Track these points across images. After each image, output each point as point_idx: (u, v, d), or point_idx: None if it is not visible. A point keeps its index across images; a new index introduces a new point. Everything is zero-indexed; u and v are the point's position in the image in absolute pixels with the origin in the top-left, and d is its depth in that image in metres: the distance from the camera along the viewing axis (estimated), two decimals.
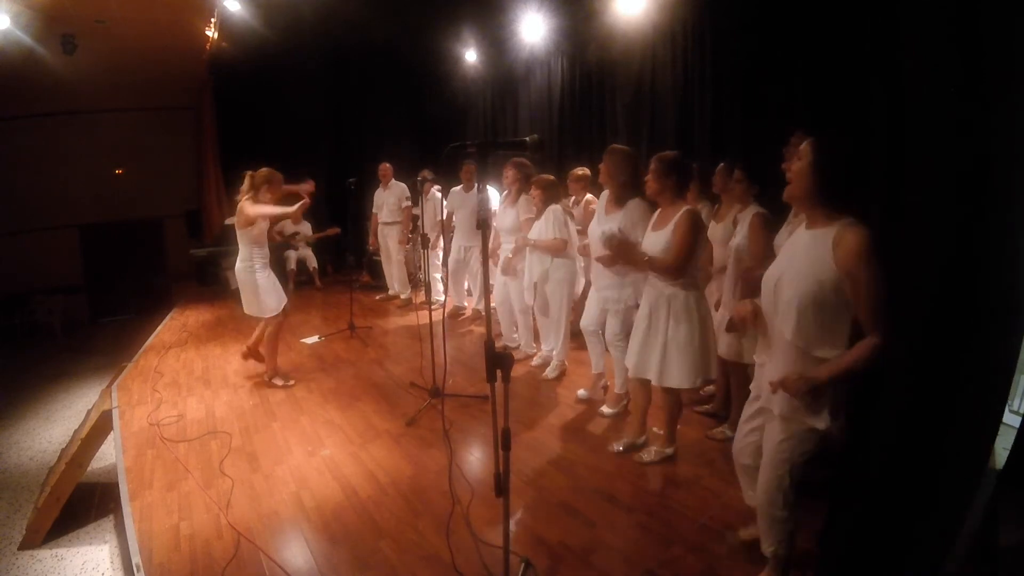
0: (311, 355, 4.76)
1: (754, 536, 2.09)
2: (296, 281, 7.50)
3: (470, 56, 7.41)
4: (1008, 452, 1.73)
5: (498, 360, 1.60)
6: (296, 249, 7.52)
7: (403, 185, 6.14)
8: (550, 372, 3.95)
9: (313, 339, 5.18)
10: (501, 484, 1.70)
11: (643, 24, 4.89)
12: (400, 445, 3.10)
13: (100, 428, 3.67)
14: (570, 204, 4.56)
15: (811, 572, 1.96)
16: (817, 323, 1.59)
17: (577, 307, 4.14)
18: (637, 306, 2.83)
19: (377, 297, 6.77)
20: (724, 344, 2.83)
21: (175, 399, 3.91)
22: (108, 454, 3.80)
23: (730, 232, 2.90)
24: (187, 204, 9.56)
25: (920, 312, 1.47)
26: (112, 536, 3.46)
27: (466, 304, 5.84)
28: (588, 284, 3.71)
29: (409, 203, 6.13)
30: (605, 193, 3.15)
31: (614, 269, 2.99)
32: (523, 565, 2.08)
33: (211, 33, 6.66)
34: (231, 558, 2.21)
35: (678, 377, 2.55)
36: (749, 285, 2.28)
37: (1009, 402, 2.57)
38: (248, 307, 3.93)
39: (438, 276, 5.84)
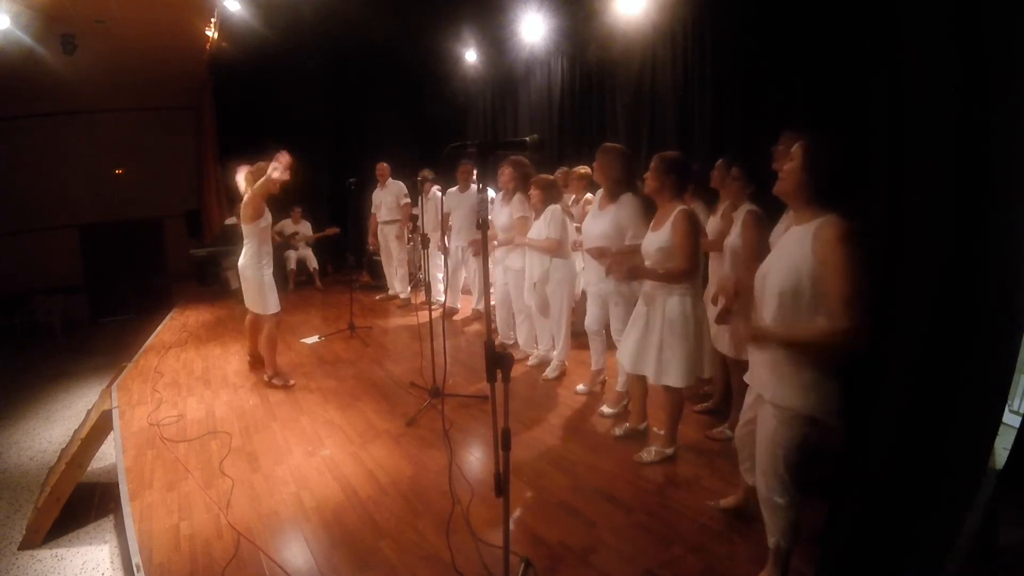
0: (311, 355, 4.76)
1: (732, 504, 2.27)
2: (296, 281, 7.50)
3: (470, 56, 7.41)
4: (1008, 452, 1.73)
5: (498, 360, 1.60)
6: (296, 249, 7.52)
7: (400, 183, 6.15)
8: (550, 372, 3.95)
9: (313, 339, 5.18)
10: (501, 484, 1.70)
11: (643, 24, 4.89)
12: (400, 445, 3.10)
13: (100, 428, 3.67)
14: (570, 203, 4.57)
15: (811, 572, 1.96)
16: (794, 310, 1.65)
17: (578, 307, 4.14)
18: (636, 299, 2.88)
19: (377, 297, 6.77)
20: (723, 341, 2.86)
21: (175, 399, 3.91)
22: (108, 454, 3.80)
23: (718, 224, 3.00)
24: (187, 204, 9.57)
25: (920, 312, 1.47)
26: (112, 536, 3.46)
27: (459, 306, 5.85)
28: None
29: (407, 200, 6.14)
30: (600, 191, 3.20)
31: (616, 276, 3.02)
32: (523, 565, 2.08)
33: (211, 33, 6.67)
34: (231, 558, 2.21)
35: (674, 376, 2.59)
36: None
37: (1009, 402, 2.57)
38: (252, 304, 3.97)
39: (439, 276, 5.84)
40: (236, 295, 4.20)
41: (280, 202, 3.94)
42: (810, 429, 1.71)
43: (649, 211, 2.96)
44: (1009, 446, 1.73)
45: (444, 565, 2.12)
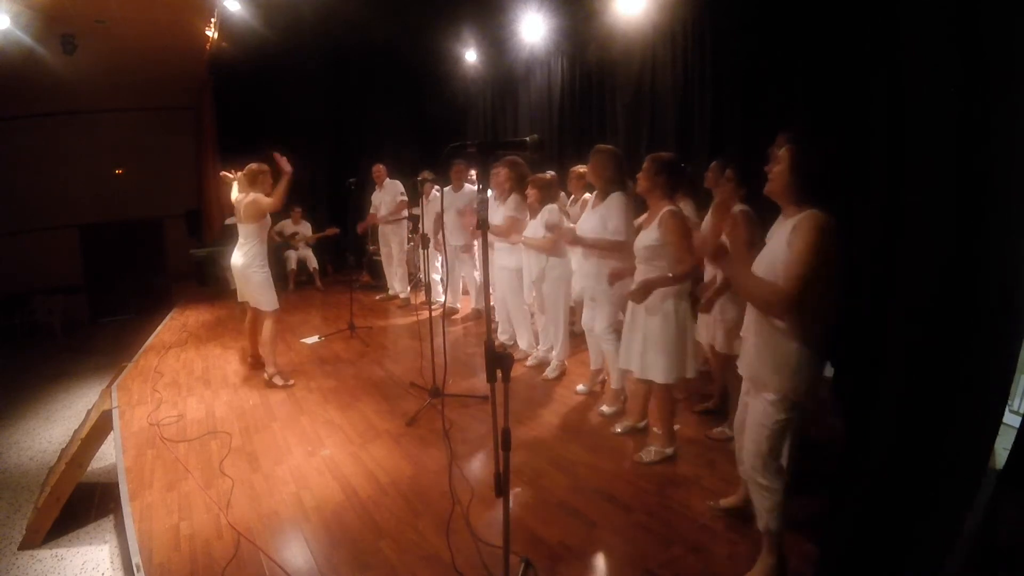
0: (311, 355, 4.76)
1: (732, 504, 2.28)
2: (296, 281, 7.50)
3: (470, 56, 7.41)
4: (1008, 452, 1.73)
5: (498, 360, 1.60)
6: (296, 249, 7.52)
7: (398, 182, 6.15)
8: (550, 372, 3.95)
9: (313, 339, 5.18)
10: (501, 484, 1.70)
11: (643, 24, 4.89)
12: (400, 445, 3.10)
13: (100, 428, 3.67)
14: (568, 203, 4.58)
15: (811, 572, 1.96)
16: None
17: (578, 307, 4.15)
18: (624, 302, 2.94)
19: (377, 297, 6.77)
20: (718, 338, 2.89)
21: (175, 399, 3.91)
22: (108, 454, 3.80)
23: (711, 222, 3.07)
24: (187, 204, 9.57)
25: (920, 312, 1.47)
26: (112, 536, 3.46)
27: (459, 306, 5.86)
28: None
29: (404, 198, 6.12)
30: (596, 192, 3.28)
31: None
32: (523, 565, 2.08)
33: (211, 33, 6.67)
34: (231, 558, 2.21)
35: (655, 370, 2.65)
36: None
37: (1009, 402, 2.57)
38: (257, 301, 4.02)
39: (438, 277, 5.84)
40: (236, 295, 4.20)
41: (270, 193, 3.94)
42: (792, 413, 1.80)
43: (635, 209, 3.08)
44: (1009, 446, 1.73)
45: (444, 565, 2.12)
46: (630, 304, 2.75)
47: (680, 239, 2.53)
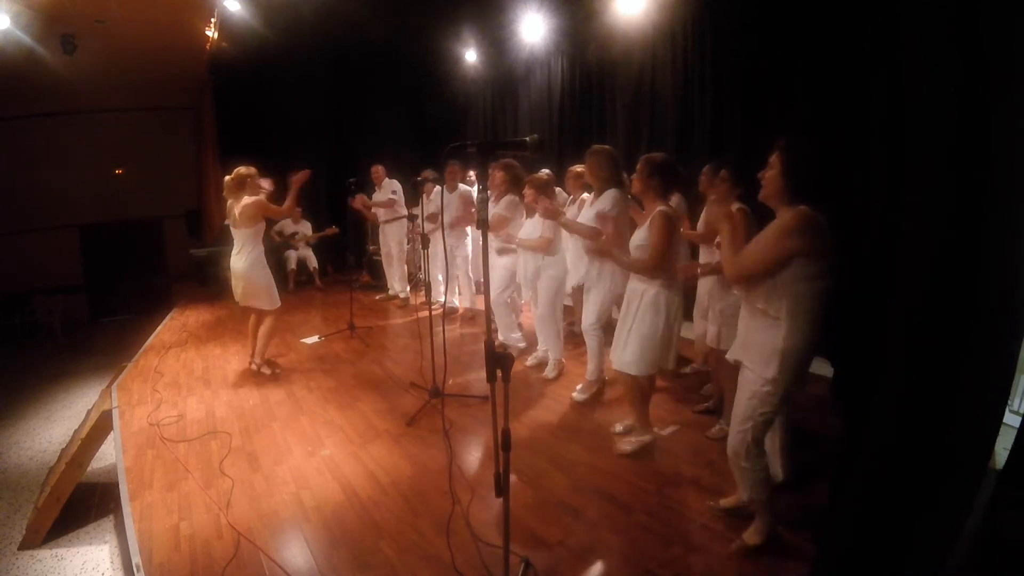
0: (311, 355, 4.76)
1: (732, 504, 2.31)
2: (296, 281, 7.50)
3: (470, 56, 7.41)
4: (1008, 452, 1.73)
5: (498, 360, 1.60)
6: (296, 249, 7.52)
7: (395, 181, 6.14)
8: (549, 372, 3.95)
9: (313, 339, 5.18)
10: (501, 484, 1.70)
11: (643, 24, 4.89)
12: (400, 445, 3.10)
13: (100, 428, 3.67)
14: (567, 203, 4.58)
15: (810, 572, 1.96)
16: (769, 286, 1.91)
17: (578, 308, 4.15)
18: (615, 299, 3.03)
19: (377, 297, 6.77)
20: (712, 334, 2.92)
21: (175, 399, 3.91)
22: (108, 454, 3.80)
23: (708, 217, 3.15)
24: (187, 204, 9.57)
25: (920, 312, 1.47)
26: (112, 536, 3.46)
27: (458, 304, 5.86)
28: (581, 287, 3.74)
29: (394, 196, 6.11)
30: (594, 192, 3.34)
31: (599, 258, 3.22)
32: (523, 565, 2.08)
33: (211, 33, 6.67)
34: (231, 558, 2.21)
35: (631, 362, 2.69)
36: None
37: (1009, 402, 2.57)
38: (262, 302, 4.07)
39: (439, 276, 5.84)
40: (236, 295, 4.20)
41: (280, 202, 3.99)
42: (777, 404, 1.91)
43: (629, 205, 3.13)
44: (1009, 446, 1.73)
45: (444, 565, 2.12)
46: (625, 300, 2.81)
47: (659, 239, 2.57)
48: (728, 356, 2.11)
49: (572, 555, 2.16)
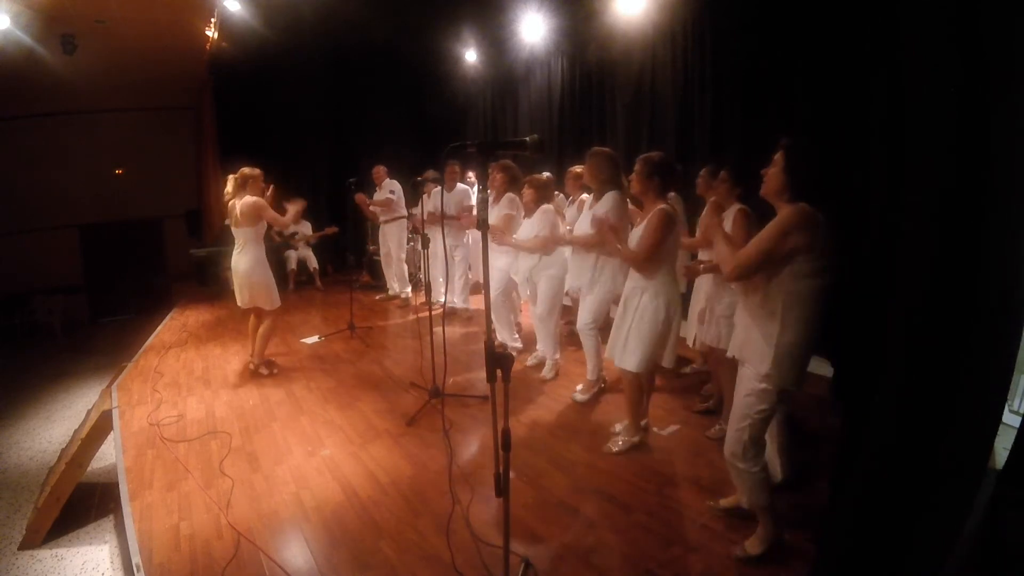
0: (311, 355, 4.76)
1: (732, 504, 2.32)
2: (296, 281, 7.50)
3: (470, 56, 7.41)
4: (1008, 452, 1.73)
5: (498, 360, 1.60)
6: (296, 249, 7.52)
7: (394, 182, 6.15)
8: (546, 373, 3.95)
9: (313, 339, 5.18)
10: (501, 484, 1.70)
11: (643, 24, 4.89)
12: (400, 445, 3.10)
13: (100, 428, 3.67)
14: (565, 203, 4.58)
15: (810, 572, 1.96)
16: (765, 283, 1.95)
17: (577, 308, 4.14)
18: (614, 299, 3.03)
19: (377, 297, 6.77)
20: (710, 333, 2.92)
21: (175, 399, 3.91)
22: (108, 454, 3.80)
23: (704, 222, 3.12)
24: (187, 204, 9.57)
25: (920, 312, 1.47)
26: (112, 536, 3.46)
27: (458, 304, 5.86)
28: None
29: (391, 195, 6.11)
30: (593, 194, 3.35)
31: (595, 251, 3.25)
32: (523, 565, 2.08)
33: (211, 33, 6.67)
34: (231, 558, 2.21)
35: (631, 360, 2.70)
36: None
37: (1009, 402, 2.57)
38: (264, 302, 4.08)
39: (439, 278, 5.83)
40: (236, 295, 4.21)
41: (279, 202, 4.02)
42: (775, 402, 1.92)
43: (628, 206, 3.16)
44: (1009, 446, 1.73)
45: (444, 565, 2.12)
46: (622, 298, 2.82)
47: (651, 234, 2.58)
48: (728, 353, 2.12)
49: (572, 555, 2.16)
